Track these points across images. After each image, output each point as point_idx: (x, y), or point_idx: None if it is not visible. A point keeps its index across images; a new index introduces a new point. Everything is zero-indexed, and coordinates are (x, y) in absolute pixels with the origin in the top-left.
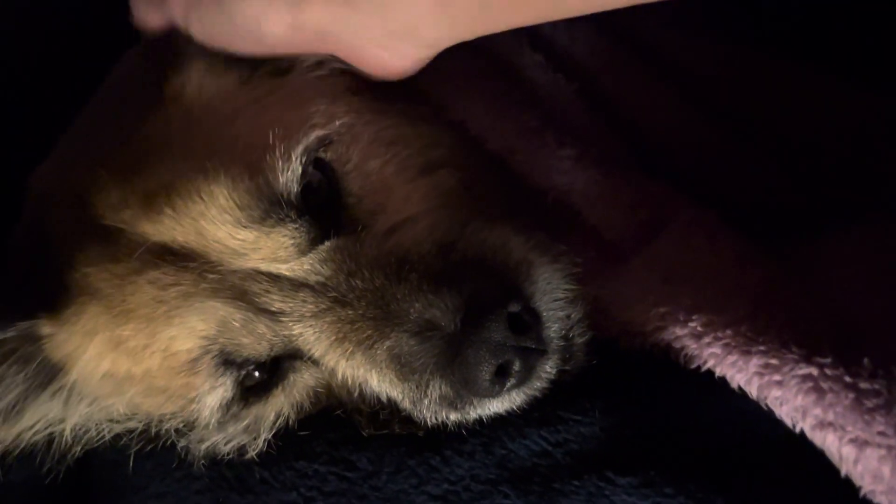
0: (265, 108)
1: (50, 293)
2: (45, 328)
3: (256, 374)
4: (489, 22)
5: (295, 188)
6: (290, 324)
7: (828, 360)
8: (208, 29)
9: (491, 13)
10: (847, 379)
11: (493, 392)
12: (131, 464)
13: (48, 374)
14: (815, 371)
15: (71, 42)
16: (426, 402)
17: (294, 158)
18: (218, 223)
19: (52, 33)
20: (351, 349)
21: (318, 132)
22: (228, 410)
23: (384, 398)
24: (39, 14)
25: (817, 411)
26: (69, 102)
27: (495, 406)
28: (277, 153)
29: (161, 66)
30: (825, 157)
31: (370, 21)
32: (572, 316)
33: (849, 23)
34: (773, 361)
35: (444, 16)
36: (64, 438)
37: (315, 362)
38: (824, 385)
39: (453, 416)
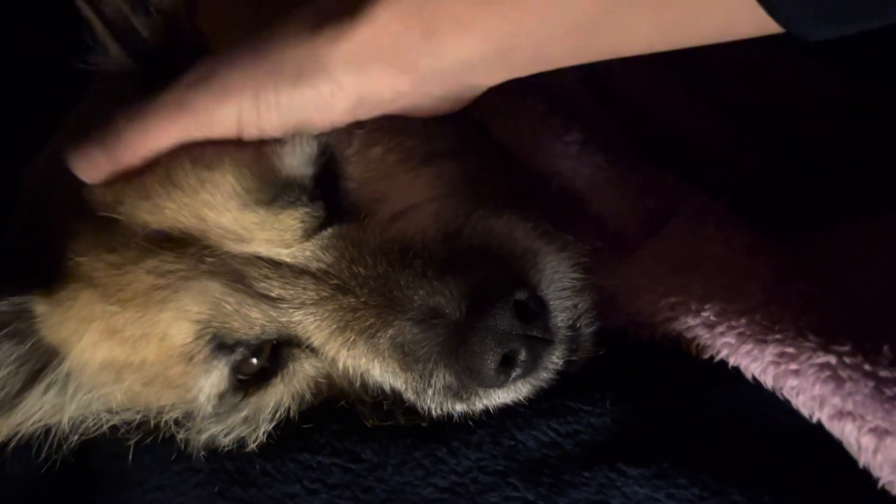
0: None
1: (45, 274)
2: (39, 306)
3: (254, 361)
4: (540, 66)
5: (309, 171)
6: (290, 311)
7: (846, 348)
8: (272, 131)
9: (546, 60)
10: (867, 367)
11: (499, 382)
12: (130, 457)
13: (42, 358)
14: (833, 359)
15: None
16: (430, 392)
17: (303, 140)
18: (222, 208)
19: (50, 29)
20: (353, 338)
21: None
22: (226, 399)
23: (387, 388)
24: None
25: (835, 400)
26: (64, 96)
27: (501, 397)
28: (284, 137)
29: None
30: (832, 147)
31: (429, 85)
32: (580, 305)
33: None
34: (790, 350)
35: (501, 69)
36: (61, 429)
37: (314, 351)
38: (843, 374)
39: (458, 407)
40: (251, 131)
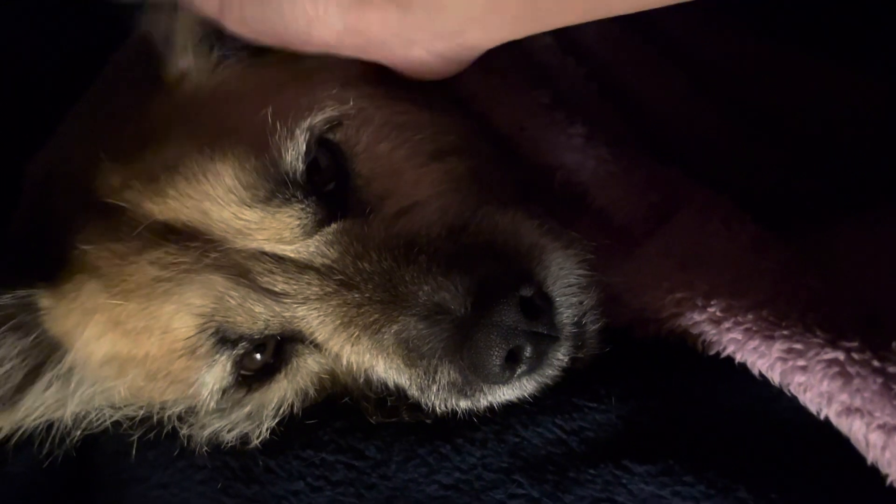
0: (275, 90)
1: (49, 267)
2: (44, 299)
3: (258, 356)
4: (536, 23)
5: (300, 167)
6: (294, 306)
7: (854, 344)
8: (250, 24)
9: (539, 14)
10: (875, 363)
11: (504, 378)
12: (133, 454)
13: (46, 351)
14: (841, 355)
15: (70, 36)
16: (434, 388)
17: (298, 136)
18: (223, 203)
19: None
20: (357, 333)
21: (326, 113)
22: (229, 394)
23: (391, 385)
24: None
25: (843, 397)
26: (65, 92)
27: (506, 393)
28: (283, 132)
29: (166, 48)
30: (836, 144)
31: (420, 27)
32: (585, 302)
33: (857, 13)
34: (797, 346)
35: (493, 20)
36: (63, 424)
37: (318, 347)
38: (851, 370)
39: (462, 404)
40: (229, 19)
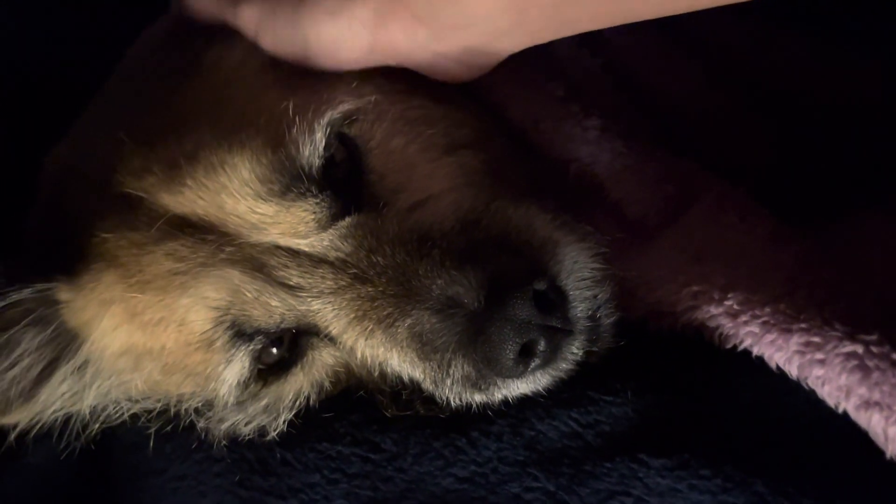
0: (295, 84)
1: (68, 259)
2: (63, 293)
3: (274, 350)
4: (561, 30)
5: (316, 162)
6: (309, 299)
7: (873, 338)
8: (281, 44)
9: (564, 23)
10: (894, 357)
11: (517, 372)
12: (151, 446)
13: (64, 343)
14: (859, 349)
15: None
16: (448, 382)
17: (317, 131)
18: (239, 196)
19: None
20: (371, 327)
21: (344, 107)
22: (247, 388)
23: (405, 378)
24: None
25: (862, 390)
26: (74, 94)
27: (520, 387)
28: (302, 126)
29: (202, 36)
30: (856, 133)
31: (447, 41)
32: (599, 296)
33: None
34: (815, 339)
35: (519, 31)
36: (81, 417)
37: (333, 340)
38: (870, 363)
39: (477, 398)
40: (265, 40)
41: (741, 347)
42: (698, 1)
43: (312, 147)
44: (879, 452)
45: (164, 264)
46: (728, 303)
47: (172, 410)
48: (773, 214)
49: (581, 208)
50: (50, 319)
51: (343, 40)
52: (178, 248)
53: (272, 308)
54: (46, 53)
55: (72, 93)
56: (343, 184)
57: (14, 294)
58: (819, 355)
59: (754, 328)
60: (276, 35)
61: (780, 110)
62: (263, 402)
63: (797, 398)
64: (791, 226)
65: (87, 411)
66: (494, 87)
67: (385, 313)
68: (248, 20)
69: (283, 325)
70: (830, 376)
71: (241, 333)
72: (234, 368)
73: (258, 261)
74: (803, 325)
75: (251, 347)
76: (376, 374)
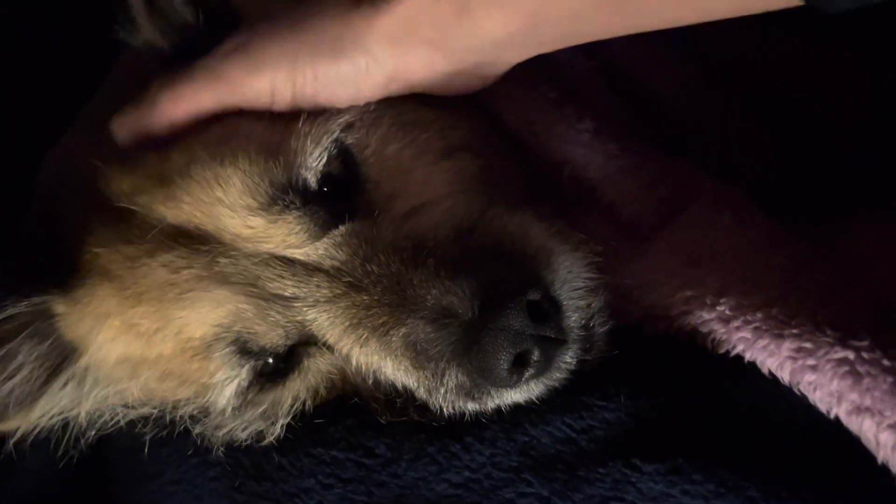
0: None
1: (63, 273)
2: (59, 306)
3: (271, 360)
4: (570, 41)
5: (311, 174)
6: (304, 309)
7: (865, 343)
8: (308, 101)
9: (573, 35)
10: (885, 363)
11: (511, 382)
12: (146, 450)
13: (62, 354)
14: (851, 355)
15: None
16: (442, 391)
17: (319, 140)
18: (233, 209)
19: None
20: (365, 335)
21: (345, 117)
22: (245, 397)
23: (399, 386)
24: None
25: (853, 396)
26: (73, 96)
27: (514, 396)
28: (302, 135)
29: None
30: (851, 137)
31: (461, 61)
32: (593, 305)
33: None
34: (807, 345)
35: (530, 44)
36: (78, 423)
37: (329, 348)
38: (861, 369)
39: (470, 406)
40: (283, 103)
41: (734, 353)
42: (709, 13)
43: (313, 157)
44: (871, 457)
45: (160, 275)
46: (720, 308)
47: (168, 416)
48: (769, 216)
49: (575, 211)
50: (47, 332)
51: (361, 78)
52: (173, 260)
53: (274, 322)
54: (46, 53)
55: (71, 93)
56: (337, 192)
57: (10, 308)
58: (811, 361)
59: (746, 334)
60: (295, 99)
61: (777, 111)
62: (261, 409)
63: (790, 403)
64: (786, 228)
65: (85, 418)
66: (488, 89)
67: (380, 322)
68: (260, 95)
69: (289, 342)
70: (822, 382)
71: (245, 350)
72: (235, 384)
73: (252, 274)
74: (795, 331)
75: (254, 364)
76: (371, 381)
